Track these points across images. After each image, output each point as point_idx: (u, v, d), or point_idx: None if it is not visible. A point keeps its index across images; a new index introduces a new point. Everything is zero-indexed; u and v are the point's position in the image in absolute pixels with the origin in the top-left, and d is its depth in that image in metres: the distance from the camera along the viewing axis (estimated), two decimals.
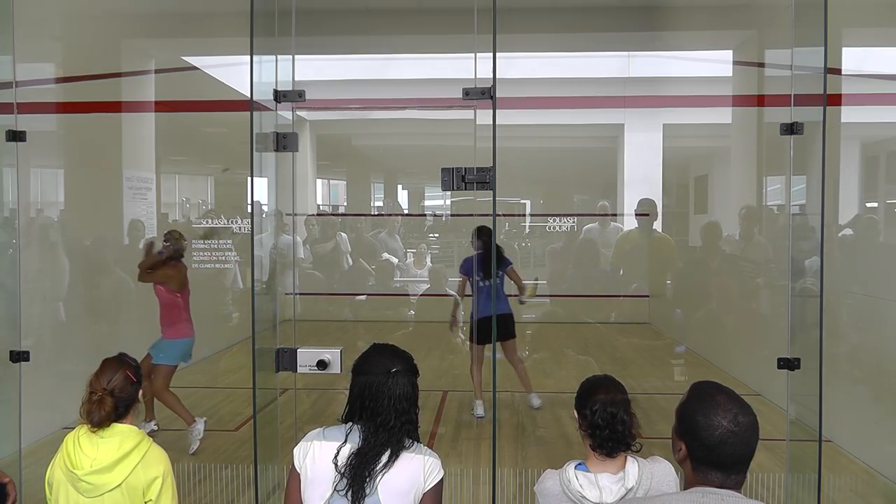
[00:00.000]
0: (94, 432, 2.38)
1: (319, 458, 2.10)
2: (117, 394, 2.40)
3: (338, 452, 2.08)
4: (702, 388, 1.81)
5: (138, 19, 5.81)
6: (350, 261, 7.40)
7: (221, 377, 6.36)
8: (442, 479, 2.13)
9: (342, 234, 7.46)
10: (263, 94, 3.31)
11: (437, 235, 7.99)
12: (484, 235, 5.37)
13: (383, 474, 2.05)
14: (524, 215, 7.88)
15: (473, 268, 5.68)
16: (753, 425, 1.70)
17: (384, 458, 2.06)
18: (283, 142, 3.38)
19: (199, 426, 5.02)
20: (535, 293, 5.75)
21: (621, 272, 6.43)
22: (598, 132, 7.84)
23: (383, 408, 2.09)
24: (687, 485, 1.79)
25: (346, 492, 2.03)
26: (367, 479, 2.03)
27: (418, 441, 2.18)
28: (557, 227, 6.76)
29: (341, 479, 2.04)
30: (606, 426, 2.19)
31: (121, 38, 5.87)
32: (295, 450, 2.16)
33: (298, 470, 2.12)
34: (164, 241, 5.17)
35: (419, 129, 7.52)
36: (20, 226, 4.44)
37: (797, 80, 3.37)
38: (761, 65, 5.66)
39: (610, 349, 6.37)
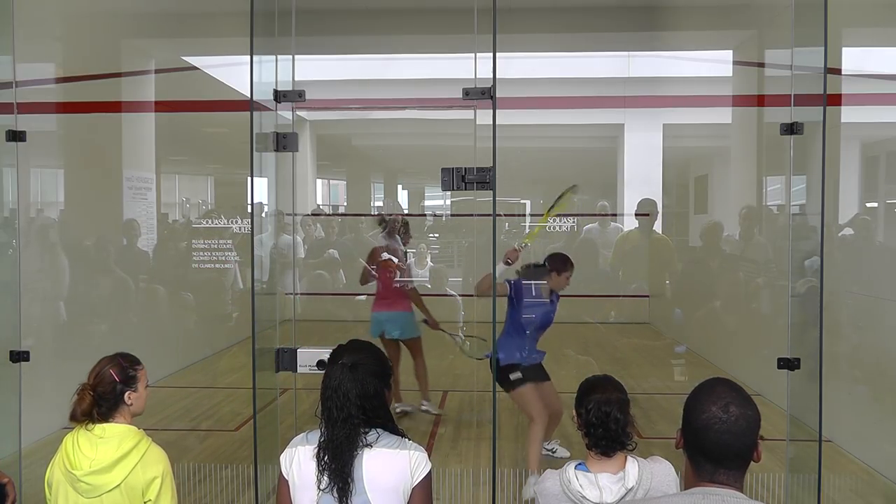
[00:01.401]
0: (89, 430, 2.38)
1: (304, 462, 2.10)
2: (99, 390, 2.39)
3: (317, 450, 2.09)
4: (710, 379, 1.82)
5: (138, 19, 5.81)
6: (343, 278, 7.34)
7: (221, 377, 6.35)
8: (430, 472, 2.12)
9: (333, 251, 7.39)
10: (263, 94, 3.31)
11: (437, 235, 7.98)
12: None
13: (356, 469, 2.04)
14: (524, 215, 7.88)
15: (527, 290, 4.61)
16: (746, 418, 1.69)
17: (346, 453, 2.05)
18: (283, 142, 3.38)
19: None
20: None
21: (620, 273, 6.42)
22: (598, 132, 7.84)
23: (324, 398, 2.11)
24: (685, 473, 1.79)
25: (332, 489, 2.03)
26: (350, 475, 2.03)
27: (403, 436, 2.17)
28: (557, 228, 6.76)
29: (322, 476, 2.05)
30: (600, 424, 2.21)
31: (121, 38, 5.87)
32: (281, 457, 2.16)
33: (286, 477, 2.13)
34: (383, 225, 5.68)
35: (419, 129, 7.51)
36: (20, 226, 4.44)
37: (797, 80, 3.37)
38: (761, 65, 5.65)
39: (610, 349, 6.36)
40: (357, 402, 2.07)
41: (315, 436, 2.14)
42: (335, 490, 2.02)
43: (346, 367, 2.11)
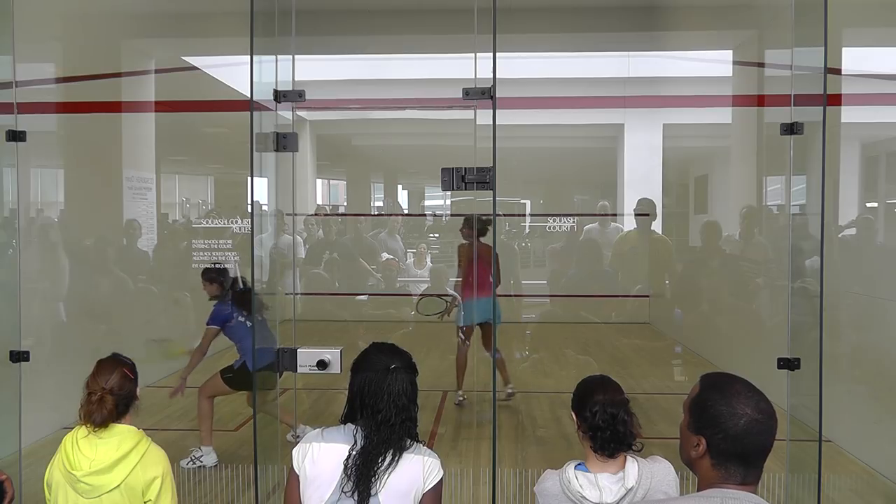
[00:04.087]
0: (93, 432, 2.38)
1: (319, 459, 2.10)
2: (117, 392, 2.40)
3: (349, 455, 2.07)
4: (716, 378, 1.72)
5: (138, 19, 5.81)
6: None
7: None
8: (441, 479, 2.13)
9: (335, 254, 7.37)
10: (263, 94, 3.31)
11: (437, 235, 7.98)
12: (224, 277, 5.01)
13: (389, 474, 2.05)
14: (524, 215, 7.88)
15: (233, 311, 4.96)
16: (774, 413, 1.64)
17: (388, 457, 2.06)
18: (283, 142, 3.38)
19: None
20: None
21: (619, 275, 6.43)
22: (598, 132, 7.84)
23: (383, 404, 2.09)
24: (703, 484, 1.67)
25: (353, 492, 2.03)
26: (374, 479, 2.03)
27: (418, 441, 2.18)
28: (557, 227, 6.76)
29: (348, 480, 2.04)
30: (608, 427, 2.18)
31: (121, 38, 5.87)
32: (294, 451, 2.16)
33: (297, 471, 2.13)
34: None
35: (419, 129, 7.52)
36: (20, 226, 4.44)
37: (797, 80, 3.37)
38: (761, 65, 5.65)
39: (610, 349, 6.36)
40: (413, 404, 2.14)
41: (331, 434, 2.14)
42: (356, 494, 2.03)
43: (402, 371, 2.13)
